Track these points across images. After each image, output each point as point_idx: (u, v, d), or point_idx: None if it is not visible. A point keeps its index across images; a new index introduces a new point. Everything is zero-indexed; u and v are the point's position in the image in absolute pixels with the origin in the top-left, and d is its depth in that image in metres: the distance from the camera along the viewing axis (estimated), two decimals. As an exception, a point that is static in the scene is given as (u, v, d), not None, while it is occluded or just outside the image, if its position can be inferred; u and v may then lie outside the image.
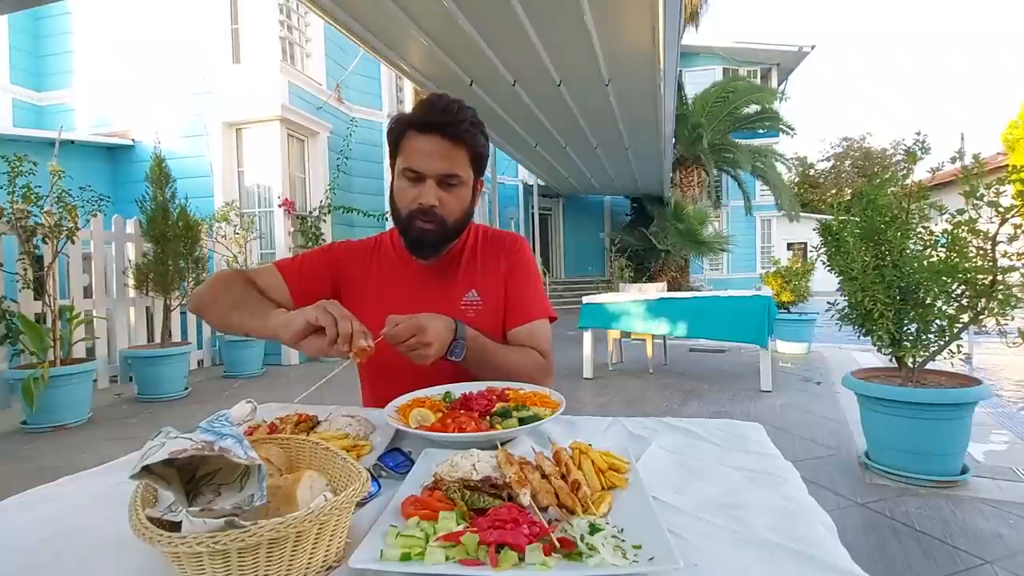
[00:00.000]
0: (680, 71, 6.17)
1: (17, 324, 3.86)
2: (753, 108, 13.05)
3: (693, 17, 14.94)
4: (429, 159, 1.05)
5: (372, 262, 1.23)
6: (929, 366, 2.67)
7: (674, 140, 9.33)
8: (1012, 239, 2.40)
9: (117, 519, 0.58)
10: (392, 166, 1.14)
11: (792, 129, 13.41)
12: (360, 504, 0.64)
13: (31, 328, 3.78)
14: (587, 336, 5.16)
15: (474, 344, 1.05)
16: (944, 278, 2.46)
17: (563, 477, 0.63)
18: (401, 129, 1.08)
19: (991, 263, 2.43)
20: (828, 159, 31.68)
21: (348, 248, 1.26)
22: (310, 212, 7.42)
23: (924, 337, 2.57)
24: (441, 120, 1.04)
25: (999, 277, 2.39)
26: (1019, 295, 2.41)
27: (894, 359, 2.72)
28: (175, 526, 0.48)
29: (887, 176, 2.86)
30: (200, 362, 6.12)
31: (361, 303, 1.18)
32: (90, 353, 4.80)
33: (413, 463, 0.74)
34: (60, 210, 4.03)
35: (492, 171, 8.69)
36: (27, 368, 3.73)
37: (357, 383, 1.28)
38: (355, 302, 1.18)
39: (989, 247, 2.44)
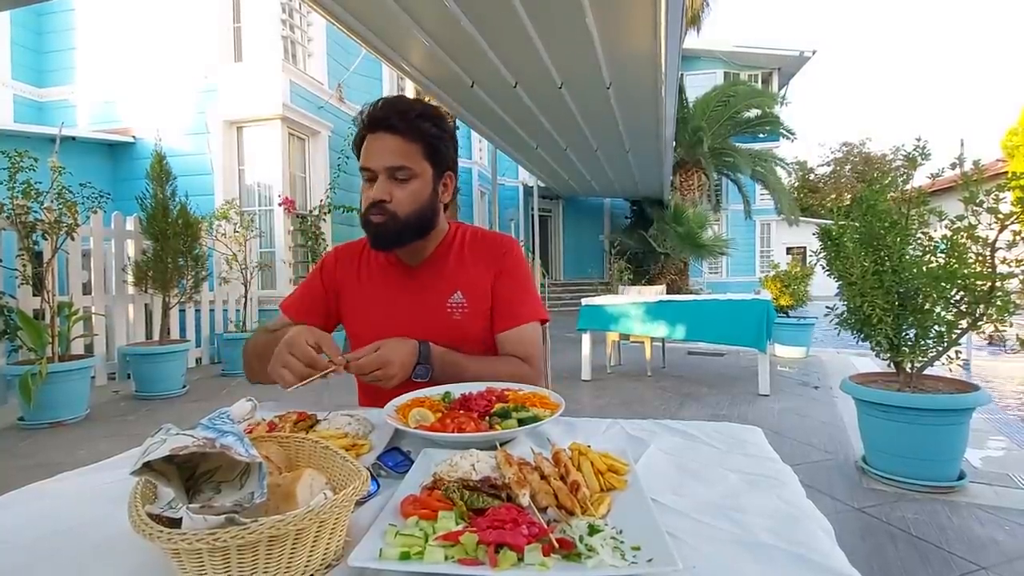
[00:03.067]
0: (681, 74, 6.18)
1: (15, 320, 3.85)
2: (754, 112, 13.07)
3: (695, 20, 14.95)
4: (377, 155, 1.07)
5: (361, 265, 1.24)
6: (927, 371, 2.67)
7: (674, 143, 9.34)
8: (1011, 245, 2.41)
9: (116, 515, 0.58)
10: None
11: (792, 133, 13.43)
12: (359, 503, 0.64)
13: (29, 324, 3.78)
14: (586, 338, 5.16)
15: (442, 361, 1.07)
16: (943, 284, 2.47)
17: (562, 478, 0.63)
18: (360, 137, 1.11)
19: (990, 269, 2.43)
20: (828, 164, 31.76)
21: (336, 256, 1.29)
22: (310, 211, 7.43)
23: (923, 342, 2.57)
24: (384, 114, 1.07)
25: (998, 283, 2.40)
26: (1017, 301, 2.42)
27: (892, 364, 2.72)
28: (175, 523, 0.48)
29: (887, 181, 2.86)
30: (198, 360, 6.12)
31: (353, 306, 1.24)
32: (88, 350, 4.79)
33: (412, 463, 0.74)
34: (60, 206, 4.03)
35: (492, 172, 8.69)
36: (25, 364, 3.72)
37: (355, 383, 1.28)
38: (348, 306, 1.24)
39: (988, 253, 2.45)
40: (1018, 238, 2.38)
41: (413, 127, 1.07)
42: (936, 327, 2.55)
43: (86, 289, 4.98)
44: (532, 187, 12.23)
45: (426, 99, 7.21)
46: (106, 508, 0.64)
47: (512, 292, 1.19)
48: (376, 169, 1.07)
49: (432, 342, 1.08)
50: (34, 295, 4.13)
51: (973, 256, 2.48)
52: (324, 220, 7.41)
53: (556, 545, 0.50)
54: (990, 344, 6.63)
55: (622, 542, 0.51)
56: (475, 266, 1.20)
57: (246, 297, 6.07)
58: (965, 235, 2.47)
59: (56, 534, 0.60)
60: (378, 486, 0.69)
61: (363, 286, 1.22)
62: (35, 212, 3.95)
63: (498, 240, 1.26)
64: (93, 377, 4.37)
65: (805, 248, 19.00)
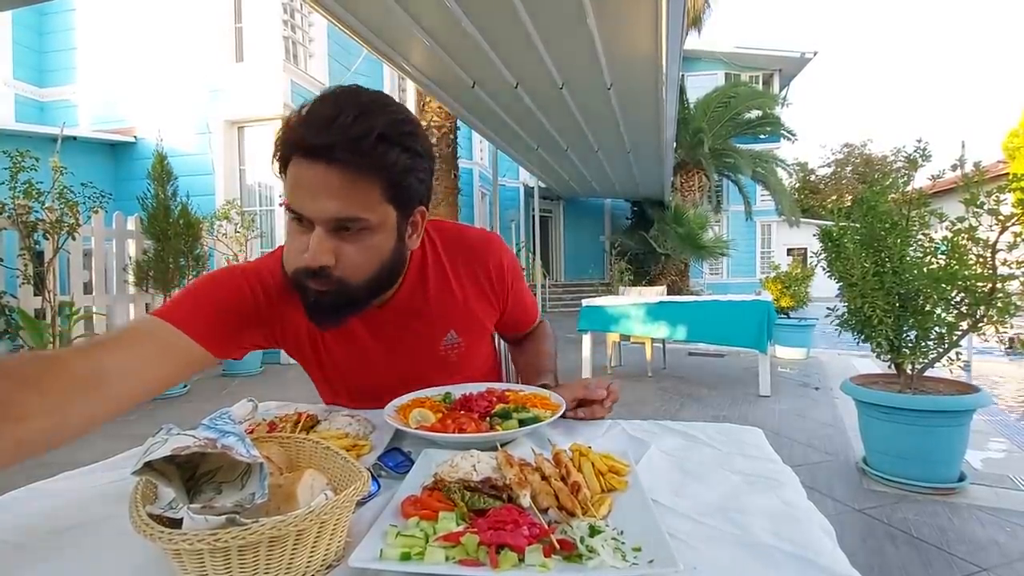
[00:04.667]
0: (682, 75, 6.18)
1: (16, 319, 3.86)
2: (755, 113, 13.08)
3: (696, 22, 14.96)
4: (315, 198, 0.72)
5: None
6: (928, 373, 2.67)
7: (675, 144, 9.33)
8: (1012, 247, 2.40)
9: (116, 515, 0.58)
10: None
11: (793, 135, 13.45)
12: (360, 504, 0.64)
13: (31, 323, 3.78)
14: (586, 339, 5.16)
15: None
16: (944, 285, 2.47)
17: (563, 479, 0.63)
18: (286, 150, 0.75)
19: (991, 271, 2.43)
20: (829, 165, 31.76)
21: (265, 285, 0.88)
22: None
23: (923, 344, 2.57)
24: (329, 141, 0.70)
25: (998, 285, 2.40)
26: (1018, 303, 2.42)
27: (893, 365, 2.72)
28: (175, 523, 0.48)
29: (887, 183, 2.86)
30: (199, 360, 6.12)
31: (308, 350, 0.96)
32: (89, 349, 4.79)
33: (413, 463, 0.74)
34: (61, 206, 4.03)
35: (493, 173, 8.69)
36: (26, 364, 3.72)
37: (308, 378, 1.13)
38: (297, 346, 0.96)
39: (989, 255, 2.45)
40: (1019, 239, 2.38)
41: (370, 159, 0.72)
42: (937, 328, 2.54)
43: (87, 289, 4.99)
44: (533, 188, 12.25)
45: (427, 100, 7.18)
46: (107, 508, 0.64)
47: (522, 300, 1.17)
48: (314, 218, 0.73)
49: (426, 387, 0.98)
50: (35, 295, 4.13)
51: (974, 258, 2.48)
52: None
53: (557, 546, 0.50)
54: (1010, 348, 6.49)
55: (623, 543, 0.51)
56: (463, 289, 0.99)
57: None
58: (966, 236, 2.47)
59: (56, 534, 0.60)
60: (379, 487, 0.69)
61: (320, 338, 0.95)
62: (36, 212, 3.96)
63: (482, 245, 1.02)
64: (94, 377, 4.37)
65: (806, 249, 18.99)
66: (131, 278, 5.16)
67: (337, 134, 0.69)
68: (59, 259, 4.17)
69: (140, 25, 7.17)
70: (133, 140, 7.20)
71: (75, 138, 6.62)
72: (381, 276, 0.82)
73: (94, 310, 4.89)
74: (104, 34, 7.31)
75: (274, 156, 0.77)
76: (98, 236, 5.00)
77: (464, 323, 1.01)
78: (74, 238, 4.27)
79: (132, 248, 5.37)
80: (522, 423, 0.83)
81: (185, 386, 4.81)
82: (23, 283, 4.09)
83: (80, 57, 7.42)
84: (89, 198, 4.34)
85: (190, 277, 5.17)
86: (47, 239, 4.09)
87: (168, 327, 0.76)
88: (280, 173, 0.78)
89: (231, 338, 0.85)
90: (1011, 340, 6.19)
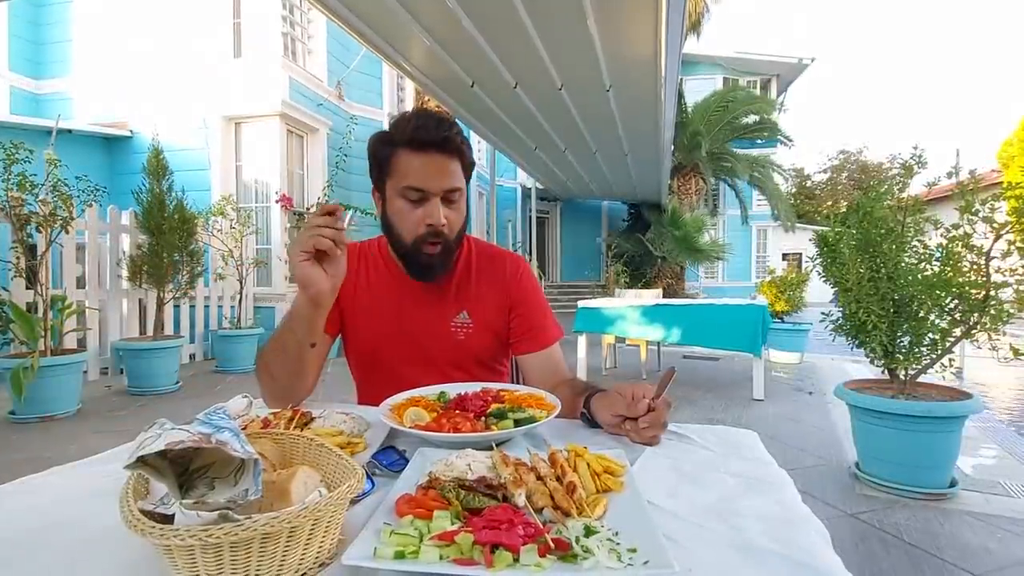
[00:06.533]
0: (681, 79, 6.20)
1: (8, 312, 3.82)
2: (752, 118, 13.13)
3: (695, 26, 15.01)
4: (433, 177, 1.03)
5: (360, 268, 1.20)
6: (921, 379, 2.68)
7: (673, 147, 9.35)
8: (1005, 255, 2.42)
9: (106, 511, 0.58)
10: (378, 186, 1.10)
11: (790, 140, 13.50)
12: (354, 502, 0.64)
13: (22, 317, 3.74)
14: (581, 340, 5.16)
15: None
16: (938, 292, 2.48)
17: (558, 479, 0.63)
18: (391, 148, 1.06)
19: (984, 278, 2.45)
20: (825, 171, 31.93)
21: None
22: (307, 208, 7.41)
23: (917, 350, 2.59)
24: (438, 136, 1.03)
25: (992, 292, 2.41)
26: (1010, 311, 2.43)
27: (886, 371, 2.73)
28: (167, 519, 0.48)
29: (883, 190, 2.87)
30: (192, 356, 6.08)
31: (351, 312, 1.18)
32: (81, 344, 4.75)
33: (407, 462, 0.73)
34: (55, 199, 4.00)
35: (491, 173, 8.69)
36: (16, 357, 3.69)
37: (351, 381, 1.27)
38: (345, 309, 1.18)
39: (983, 262, 2.46)
40: (1012, 247, 2.40)
41: (460, 147, 1.06)
42: (930, 335, 2.56)
43: (80, 283, 4.95)
44: (530, 189, 12.24)
45: (425, 99, 7.18)
46: (97, 503, 0.63)
47: (534, 315, 1.20)
48: (432, 191, 1.03)
49: (435, 359, 1.15)
50: (27, 288, 4.10)
51: (968, 265, 2.49)
52: (321, 218, 7.39)
53: (552, 546, 0.50)
54: (1017, 356, 6.42)
55: (618, 544, 0.51)
56: (481, 287, 1.19)
57: (241, 294, 6.05)
58: (960, 244, 2.49)
59: (45, 529, 0.60)
60: (373, 485, 0.68)
61: (361, 294, 1.18)
62: (30, 205, 3.92)
63: (508, 260, 1.24)
64: (85, 372, 4.34)
65: (801, 254, 19.08)
66: (125, 273, 5.13)
67: (442, 131, 1.03)
68: (52, 253, 4.14)
69: (138, 18, 7.14)
70: (129, 134, 7.16)
71: (70, 131, 6.58)
72: (460, 235, 1.12)
73: (87, 304, 4.85)
74: (101, 27, 7.27)
75: (375, 156, 1.08)
76: (92, 230, 4.96)
77: (475, 308, 1.17)
78: (68, 232, 4.23)
79: (126, 243, 5.33)
80: (517, 423, 0.83)
81: (177, 381, 4.78)
82: (15, 276, 4.06)
83: (76, 50, 7.38)
84: (84, 191, 4.31)
85: (184, 272, 5.14)
86: (40, 232, 4.06)
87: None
88: (377, 169, 1.08)
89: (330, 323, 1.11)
90: (1014, 350, 6.20)
